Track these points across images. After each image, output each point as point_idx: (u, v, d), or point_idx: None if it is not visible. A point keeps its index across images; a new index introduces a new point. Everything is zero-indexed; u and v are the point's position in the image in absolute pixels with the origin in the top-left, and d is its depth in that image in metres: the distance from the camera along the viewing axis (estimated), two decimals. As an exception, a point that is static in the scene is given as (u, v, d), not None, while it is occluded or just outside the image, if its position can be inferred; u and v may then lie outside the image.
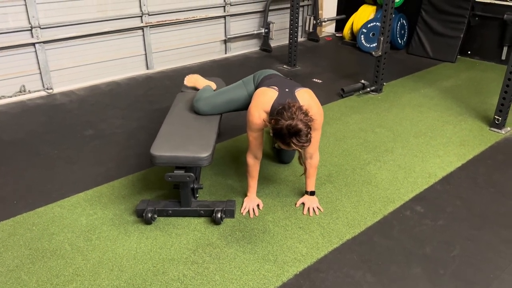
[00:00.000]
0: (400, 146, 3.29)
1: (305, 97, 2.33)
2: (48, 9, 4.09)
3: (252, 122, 2.35)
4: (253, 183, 2.57)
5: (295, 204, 2.60)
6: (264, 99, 2.33)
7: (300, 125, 2.06)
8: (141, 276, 2.05)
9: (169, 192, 2.67)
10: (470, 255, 2.22)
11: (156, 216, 2.42)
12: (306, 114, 2.12)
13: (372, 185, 2.79)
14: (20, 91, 4.16)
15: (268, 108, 2.29)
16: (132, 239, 2.30)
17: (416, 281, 2.04)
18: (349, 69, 5.16)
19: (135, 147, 3.25)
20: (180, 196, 2.42)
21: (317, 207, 2.54)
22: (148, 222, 2.39)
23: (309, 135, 2.10)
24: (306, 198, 2.59)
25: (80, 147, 3.25)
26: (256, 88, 2.50)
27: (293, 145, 2.11)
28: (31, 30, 4.04)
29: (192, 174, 2.25)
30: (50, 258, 2.16)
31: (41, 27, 4.08)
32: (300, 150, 2.16)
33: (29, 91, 4.20)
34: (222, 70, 5.00)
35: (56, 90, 4.35)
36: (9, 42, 3.95)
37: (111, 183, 2.80)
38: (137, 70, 4.91)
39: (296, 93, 2.33)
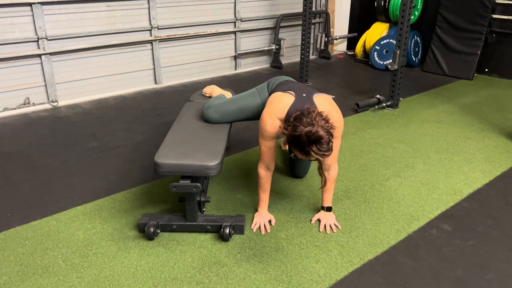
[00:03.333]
0: (421, 162, 3.08)
1: (324, 102, 2.16)
2: (56, 20, 4.01)
3: (265, 130, 2.17)
4: (264, 197, 2.37)
5: (310, 220, 2.39)
6: (279, 106, 2.16)
7: (321, 132, 1.88)
8: (141, 296, 1.85)
9: (174, 207, 2.49)
10: (506, 278, 1.98)
11: (159, 231, 2.23)
12: (327, 120, 1.94)
13: (393, 202, 2.58)
14: (24, 104, 4.05)
15: (283, 115, 2.12)
16: (132, 255, 2.10)
17: (448, 307, 1.81)
18: (362, 86, 5.00)
19: (139, 160, 3.08)
20: (185, 209, 2.23)
21: (334, 224, 2.33)
22: (150, 237, 2.19)
23: (330, 143, 1.92)
24: (322, 214, 2.38)
25: (82, 160, 3.09)
26: (271, 94, 2.33)
27: (312, 154, 1.91)
28: (37, 41, 3.95)
29: (199, 184, 2.06)
30: (42, 275, 1.97)
31: (48, 38, 3.99)
32: (321, 158, 1.96)
33: (33, 103, 4.08)
34: (232, 86, 4.86)
35: (61, 103, 4.23)
36: (15, 52, 3.85)
37: (112, 196, 2.62)
38: (145, 84, 4.79)
39: (314, 99, 2.16)
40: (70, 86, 4.27)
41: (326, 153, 1.91)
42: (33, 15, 3.87)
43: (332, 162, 2.27)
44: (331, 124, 1.95)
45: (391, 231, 2.30)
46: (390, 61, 5.45)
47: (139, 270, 2.00)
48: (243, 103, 2.50)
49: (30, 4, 3.82)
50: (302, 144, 1.91)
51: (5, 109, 3.95)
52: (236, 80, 5.20)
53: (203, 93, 2.99)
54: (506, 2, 4.99)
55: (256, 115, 2.48)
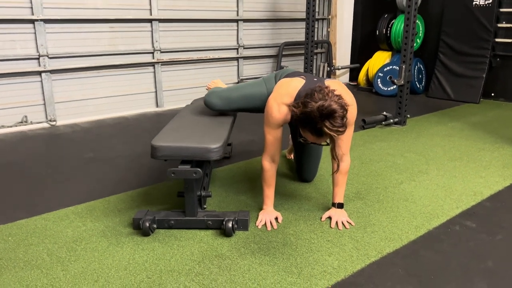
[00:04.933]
0: (435, 168, 2.91)
1: (336, 86, 2.04)
2: (58, 39, 3.99)
3: (271, 116, 2.04)
4: (269, 193, 2.19)
5: (321, 218, 2.19)
6: (287, 90, 2.03)
7: (335, 105, 1.74)
8: (132, 287, 1.63)
9: (172, 208, 2.29)
10: (544, 272, 1.76)
11: (155, 226, 2.03)
12: (340, 97, 1.81)
13: (409, 202, 2.39)
14: (22, 122, 3.94)
15: (291, 100, 2.00)
16: (125, 250, 1.89)
17: (483, 298, 1.59)
18: (367, 109, 4.89)
19: (137, 169, 2.92)
20: (184, 204, 2.05)
21: (347, 221, 2.13)
22: (145, 232, 1.99)
23: (344, 119, 1.78)
24: (333, 211, 2.19)
25: (76, 168, 2.93)
26: None
27: (326, 130, 1.76)
28: (38, 58, 3.91)
29: (199, 169, 1.90)
30: (23, 268, 1.76)
31: (49, 56, 3.95)
32: (335, 135, 1.80)
33: (31, 122, 3.98)
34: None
35: (60, 122, 4.12)
36: (15, 69, 3.80)
37: (106, 198, 2.44)
38: (146, 107, 4.71)
39: (325, 82, 2.04)
40: (69, 105, 4.18)
41: (340, 129, 1.76)
42: (35, 32, 3.85)
43: (344, 151, 2.12)
44: (345, 102, 1.81)
45: (409, 227, 2.10)
46: (393, 87, 5.40)
47: (132, 264, 1.79)
48: (248, 91, 2.37)
49: (32, 21, 3.82)
50: (314, 121, 1.77)
51: (2, 126, 3.83)
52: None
53: (206, 88, 2.86)
54: (509, 25, 4.99)
55: (260, 106, 2.34)
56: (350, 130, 2.07)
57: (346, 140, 2.08)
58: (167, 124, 2.23)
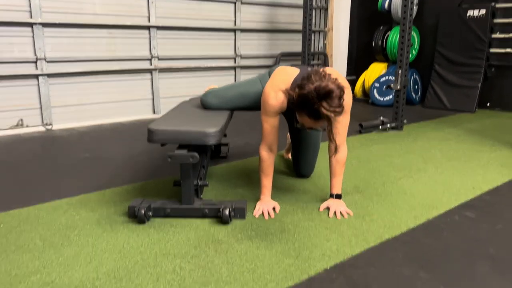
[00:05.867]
0: (433, 167, 2.90)
1: (331, 71, 2.04)
2: (56, 43, 4.01)
3: (268, 104, 2.03)
4: (267, 183, 2.16)
5: (319, 208, 2.16)
6: (283, 77, 2.04)
7: (331, 85, 1.75)
8: (126, 268, 1.59)
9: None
10: (546, 257, 1.73)
11: (151, 213, 2.00)
12: (336, 79, 1.82)
13: (408, 195, 2.37)
14: (17, 125, 3.92)
15: (287, 86, 1.99)
16: (119, 236, 1.85)
17: (485, 280, 1.55)
18: (363, 118, 4.90)
19: (133, 167, 2.89)
20: (181, 193, 2.02)
21: (346, 211, 2.11)
22: (141, 220, 1.95)
23: (341, 99, 1.77)
24: (331, 201, 2.16)
25: (72, 166, 2.90)
26: None
27: (323, 111, 1.75)
28: (36, 62, 3.91)
29: (196, 154, 1.87)
30: (14, 251, 1.72)
31: (47, 60, 3.96)
32: (333, 115, 1.78)
33: (26, 125, 3.96)
34: (231, 123, 4.77)
35: (56, 126, 4.10)
36: (12, 72, 3.80)
37: (101, 191, 2.40)
38: (143, 113, 4.70)
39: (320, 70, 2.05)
40: (66, 110, 4.17)
41: (337, 109, 1.76)
42: (33, 36, 3.87)
43: (340, 141, 2.11)
44: (341, 84, 1.81)
45: (408, 216, 2.08)
46: (389, 97, 5.43)
47: (126, 248, 1.75)
48: (244, 89, 2.38)
49: (31, 25, 3.84)
50: (311, 102, 1.76)
51: (-3, 129, 3.81)
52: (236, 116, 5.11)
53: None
54: (503, 36, 5.06)
55: (256, 104, 2.33)
56: (346, 117, 2.07)
57: (343, 127, 2.07)
58: (165, 113, 2.21)
